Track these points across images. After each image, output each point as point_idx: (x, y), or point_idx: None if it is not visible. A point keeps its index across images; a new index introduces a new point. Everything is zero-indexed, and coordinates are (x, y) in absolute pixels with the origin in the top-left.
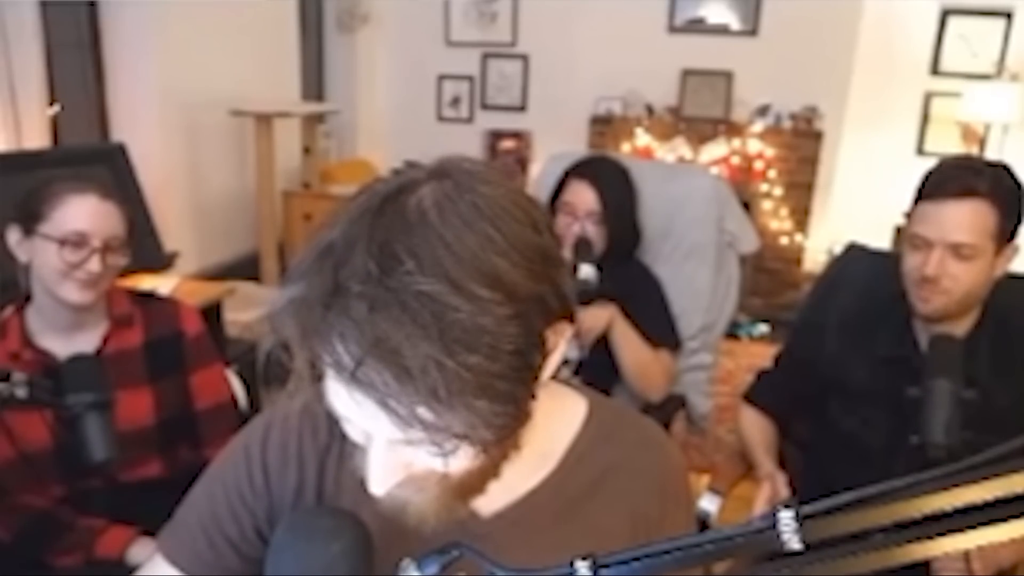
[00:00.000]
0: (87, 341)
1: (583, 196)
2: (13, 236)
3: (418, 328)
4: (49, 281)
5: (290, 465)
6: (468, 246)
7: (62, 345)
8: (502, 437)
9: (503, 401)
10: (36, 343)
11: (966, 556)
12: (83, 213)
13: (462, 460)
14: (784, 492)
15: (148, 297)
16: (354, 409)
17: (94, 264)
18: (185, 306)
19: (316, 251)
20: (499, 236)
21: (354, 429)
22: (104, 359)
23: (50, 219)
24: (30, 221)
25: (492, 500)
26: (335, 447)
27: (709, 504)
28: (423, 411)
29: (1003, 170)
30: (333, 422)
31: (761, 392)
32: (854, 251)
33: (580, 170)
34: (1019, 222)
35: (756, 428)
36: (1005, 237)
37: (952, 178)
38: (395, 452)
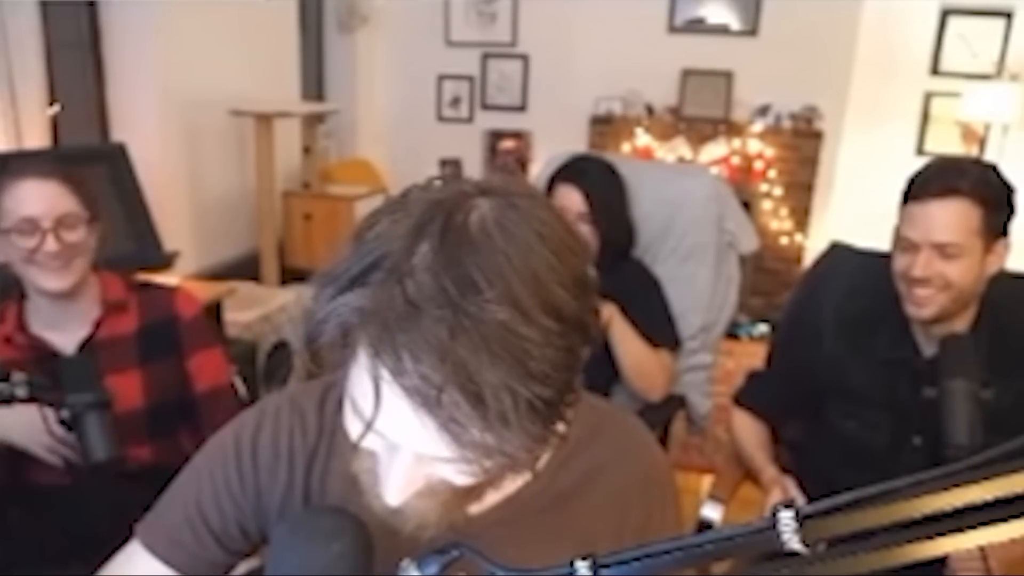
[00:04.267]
0: (79, 327)
1: (570, 199)
2: None
3: (494, 356)
4: (22, 272)
5: (281, 462)
6: (535, 274)
7: (54, 332)
8: (538, 457)
9: (553, 426)
10: (30, 329)
11: (983, 555)
12: (26, 197)
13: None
14: (797, 497)
15: (146, 285)
16: (412, 427)
17: (50, 244)
18: (182, 291)
19: (368, 259)
20: (559, 266)
21: (377, 439)
22: (95, 344)
23: (2, 212)
24: None
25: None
26: (323, 445)
27: (712, 512)
28: (487, 436)
29: (988, 168)
30: (321, 419)
31: (753, 394)
32: (838, 250)
33: (564, 174)
34: (1009, 219)
35: (751, 432)
36: (993, 234)
37: (934, 179)
38: (422, 465)
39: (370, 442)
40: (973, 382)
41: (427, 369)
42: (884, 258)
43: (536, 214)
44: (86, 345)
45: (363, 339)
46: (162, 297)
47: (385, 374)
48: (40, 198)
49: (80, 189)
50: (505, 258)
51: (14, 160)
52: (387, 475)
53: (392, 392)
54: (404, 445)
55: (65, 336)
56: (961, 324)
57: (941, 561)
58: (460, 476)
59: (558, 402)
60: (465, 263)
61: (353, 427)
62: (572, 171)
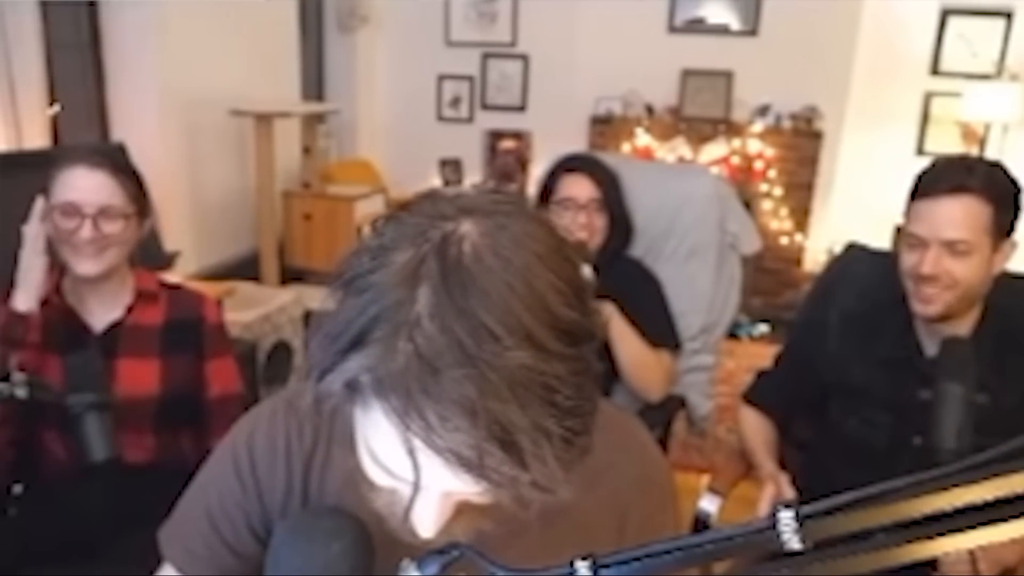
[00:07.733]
0: (110, 310)
1: (582, 186)
2: (40, 209)
3: (523, 401)
4: (58, 249)
5: (279, 464)
6: (542, 300)
7: (86, 309)
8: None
9: (583, 447)
10: (65, 297)
11: (972, 556)
12: (75, 183)
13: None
14: (788, 492)
15: (176, 286)
16: (445, 478)
17: (85, 231)
18: (208, 297)
19: (366, 314)
20: (560, 282)
21: (396, 479)
22: (123, 328)
23: (53, 190)
24: (46, 193)
25: None
26: (320, 448)
27: (709, 504)
28: (522, 474)
29: (997, 167)
30: (317, 423)
31: (761, 392)
32: (854, 251)
33: (570, 164)
34: (1016, 218)
35: (756, 428)
36: (1001, 233)
37: (944, 176)
38: (450, 497)
39: (390, 482)
40: (969, 388)
41: (460, 433)
42: (892, 257)
43: (527, 230)
44: (114, 328)
45: (382, 405)
46: (191, 298)
47: (417, 442)
48: (87, 186)
49: (128, 184)
50: (509, 290)
51: (71, 150)
52: (418, 512)
53: (425, 454)
54: (434, 488)
55: (96, 315)
56: (965, 324)
57: (931, 563)
58: (488, 498)
59: (585, 428)
60: (472, 308)
61: (372, 470)
62: (579, 163)
